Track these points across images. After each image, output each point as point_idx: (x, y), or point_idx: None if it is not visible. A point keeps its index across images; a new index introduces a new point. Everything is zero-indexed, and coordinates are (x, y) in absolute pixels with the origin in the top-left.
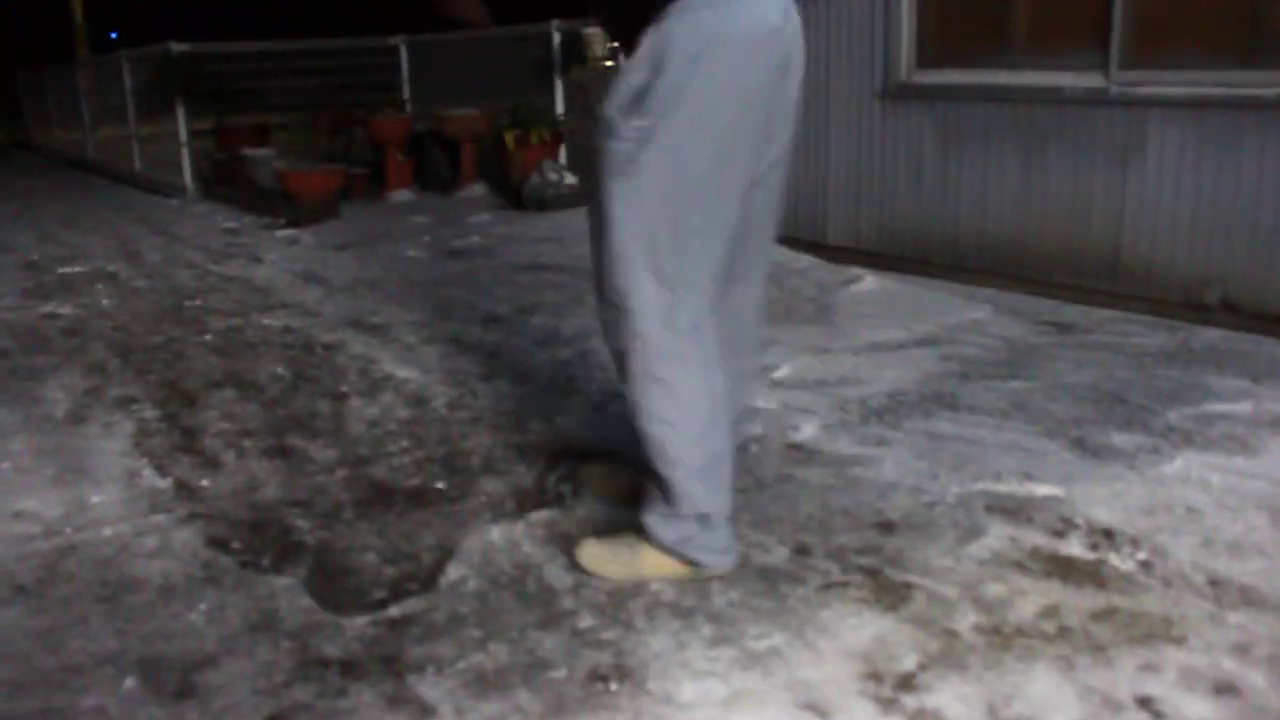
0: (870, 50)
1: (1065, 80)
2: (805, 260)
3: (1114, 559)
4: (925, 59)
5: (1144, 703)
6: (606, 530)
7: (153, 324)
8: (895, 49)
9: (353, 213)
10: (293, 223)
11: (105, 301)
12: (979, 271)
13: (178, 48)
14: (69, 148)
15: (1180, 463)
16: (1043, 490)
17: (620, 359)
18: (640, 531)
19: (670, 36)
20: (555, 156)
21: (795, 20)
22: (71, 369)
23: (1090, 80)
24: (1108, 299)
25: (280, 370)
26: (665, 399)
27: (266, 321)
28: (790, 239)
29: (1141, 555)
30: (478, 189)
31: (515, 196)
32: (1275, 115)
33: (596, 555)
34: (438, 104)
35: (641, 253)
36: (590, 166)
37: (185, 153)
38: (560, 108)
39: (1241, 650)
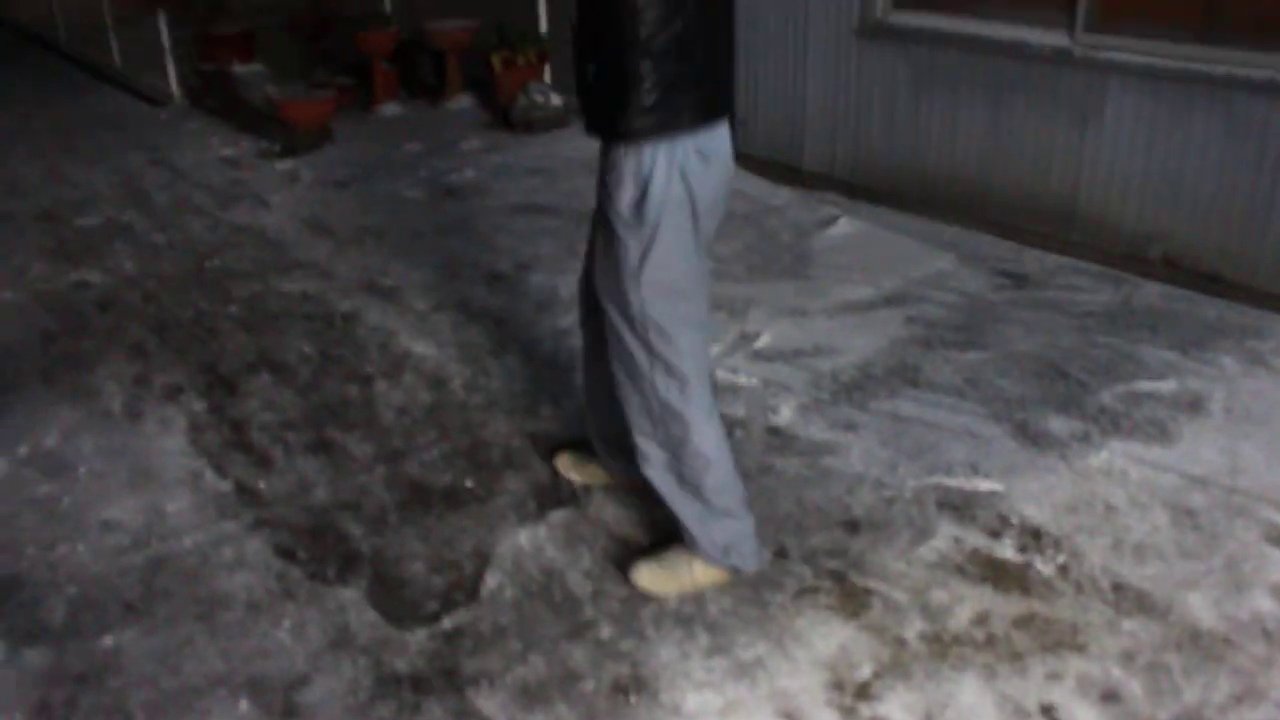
0: None
1: (1032, 36)
2: (783, 195)
3: (1039, 563)
4: (901, 2)
5: (1047, 710)
6: (618, 535)
7: (180, 292)
8: None
9: (345, 132)
10: (289, 150)
11: (128, 264)
12: (946, 208)
13: None
14: (37, 23)
15: (1105, 454)
16: (986, 485)
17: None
18: (685, 544)
19: (651, 164)
20: (541, 77)
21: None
22: (115, 353)
23: (1055, 39)
24: (1063, 245)
25: (307, 349)
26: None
27: (286, 286)
28: (768, 162)
29: (1061, 559)
30: (464, 100)
31: (503, 116)
32: (1223, 91)
33: (655, 577)
34: (420, 14)
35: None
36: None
37: (170, 60)
38: (544, 25)
39: (1128, 658)
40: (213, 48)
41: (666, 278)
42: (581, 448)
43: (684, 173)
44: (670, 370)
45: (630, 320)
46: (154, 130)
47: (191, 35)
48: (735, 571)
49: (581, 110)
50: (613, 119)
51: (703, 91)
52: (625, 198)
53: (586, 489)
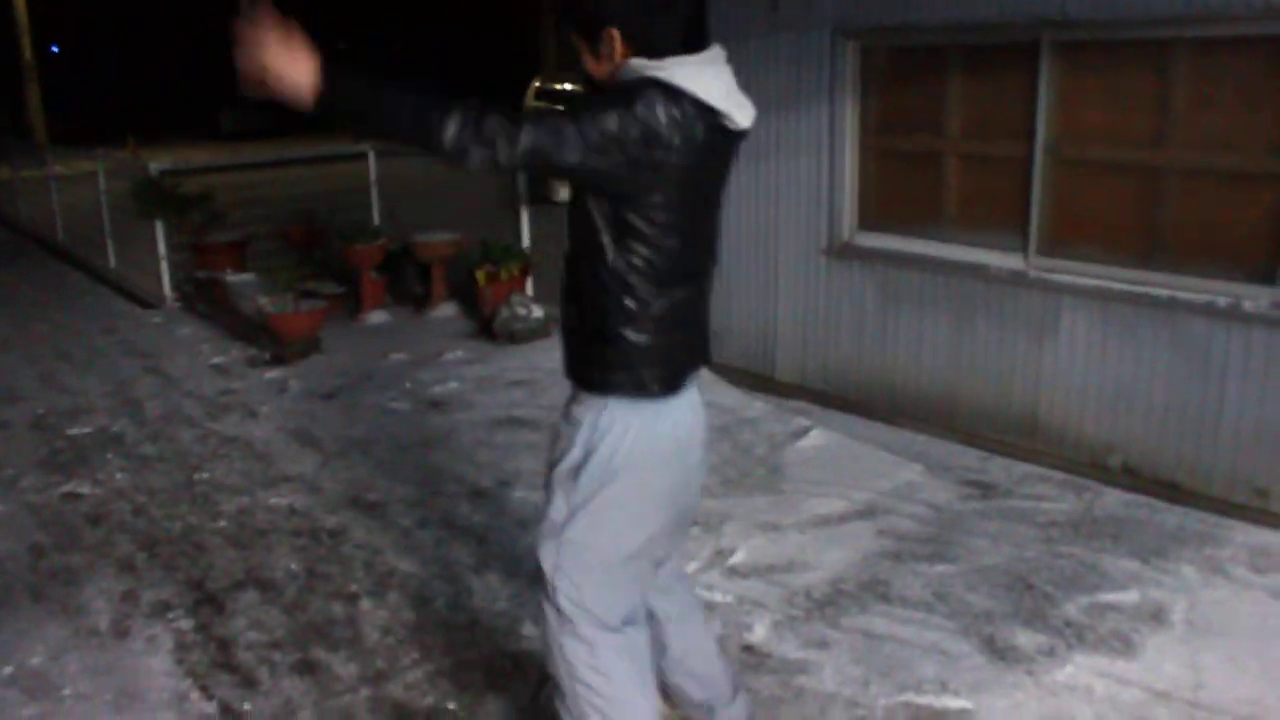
0: (817, 210)
1: (990, 259)
2: (756, 406)
3: None
4: (867, 222)
5: None
6: None
7: (169, 505)
8: (839, 211)
9: (333, 340)
10: (278, 359)
11: (119, 476)
12: (914, 417)
13: (157, 168)
14: (36, 223)
15: (1070, 668)
16: (956, 703)
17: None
18: None
19: (608, 426)
20: (523, 289)
21: (700, 406)
22: (104, 568)
23: (1012, 262)
24: (1027, 454)
25: (294, 566)
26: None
27: (273, 500)
28: (743, 372)
29: None
30: (449, 308)
31: (486, 326)
32: (1167, 313)
33: None
34: (406, 225)
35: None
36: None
37: (164, 266)
38: (526, 240)
39: None
40: (206, 255)
41: (589, 542)
42: None
43: (645, 440)
44: (578, 635)
45: (542, 578)
46: (147, 335)
47: (187, 242)
48: None
49: (563, 349)
50: (584, 367)
51: (675, 364)
52: (571, 456)
53: None
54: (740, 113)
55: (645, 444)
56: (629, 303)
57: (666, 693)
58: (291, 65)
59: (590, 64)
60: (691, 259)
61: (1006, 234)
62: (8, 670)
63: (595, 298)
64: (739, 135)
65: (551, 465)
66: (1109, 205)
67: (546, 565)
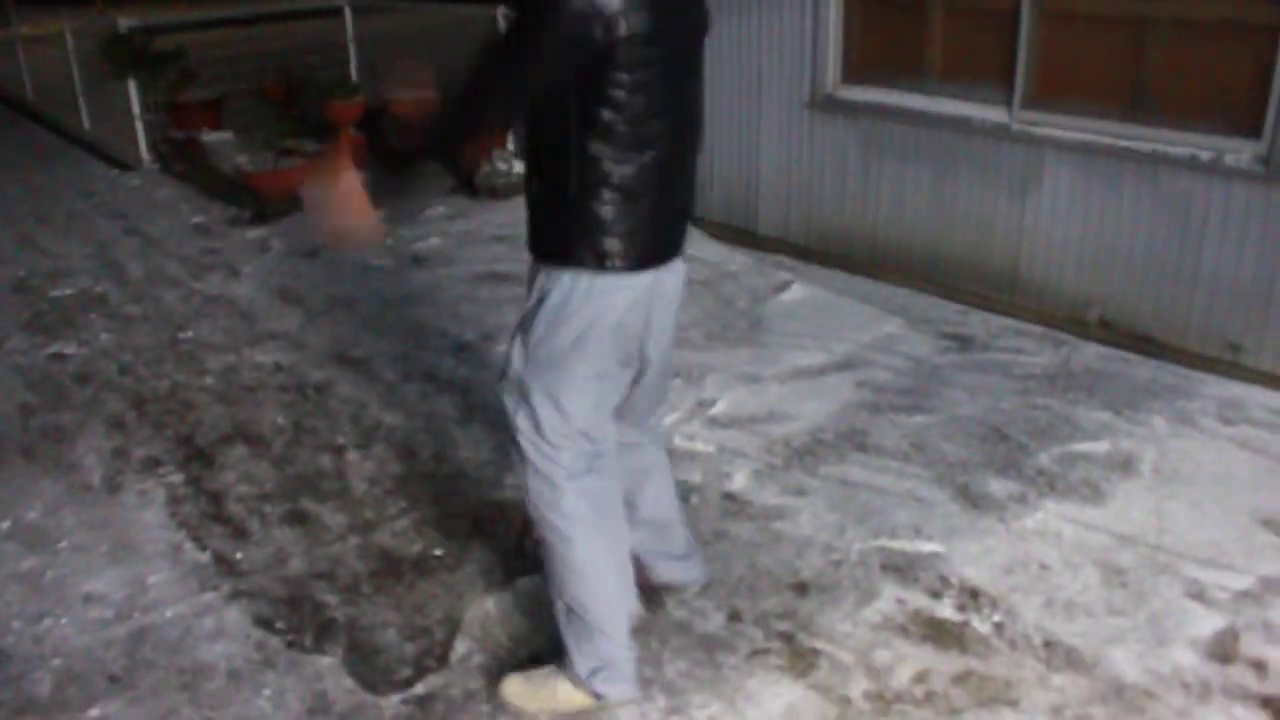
0: (800, 62)
1: (973, 112)
2: (738, 260)
3: (975, 621)
4: (850, 75)
5: None
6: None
7: (155, 364)
8: (822, 63)
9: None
10: (259, 218)
11: (104, 336)
12: (895, 272)
13: (126, 24)
14: (4, 84)
15: (1040, 515)
16: (928, 547)
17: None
18: (560, 661)
19: (556, 283)
20: (503, 145)
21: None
22: (94, 426)
23: (995, 115)
24: (1006, 308)
25: (281, 420)
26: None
27: (259, 358)
28: (724, 226)
29: (997, 617)
30: (430, 165)
31: (466, 181)
32: (1149, 167)
33: (517, 692)
34: (382, 77)
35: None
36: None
37: (140, 126)
38: None
39: (1057, 712)
40: (182, 114)
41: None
42: None
43: (602, 307)
44: (540, 467)
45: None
46: (125, 197)
47: (161, 102)
48: (598, 698)
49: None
50: (541, 239)
51: (640, 236)
52: (528, 305)
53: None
54: None
55: (600, 304)
56: (590, 171)
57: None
58: (356, 224)
59: None
60: (662, 122)
61: (991, 87)
62: (5, 525)
63: (556, 167)
64: None
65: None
66: (1095, 57)
67: (509, 407)
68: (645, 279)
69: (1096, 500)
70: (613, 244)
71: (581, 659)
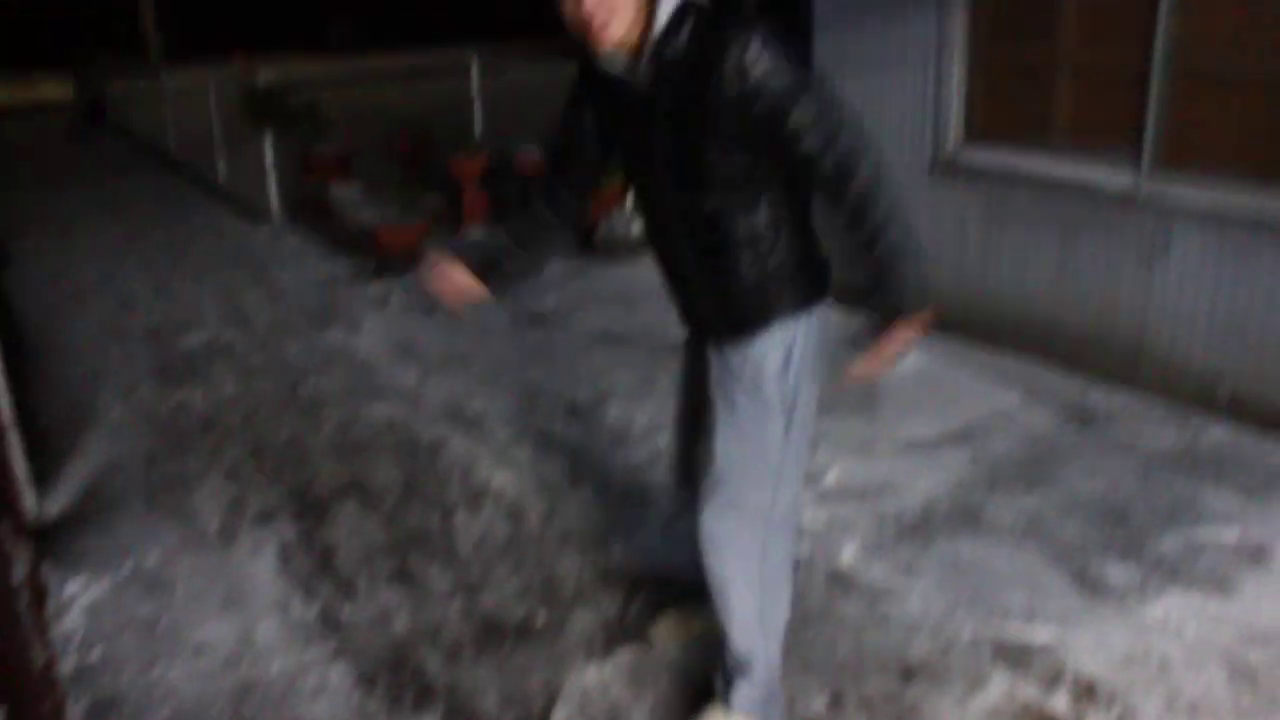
0: (920, 125)
1: (1099, 176)
2: (855, 325)
3: (1090, 718)
4: (972, 138)
5: None
6: (682, 674)
7: (276, 415)
8: (944, 125)
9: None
10: (382, 272)
11: (229, 385)
12: (1015, 341)
13: (265, 80)
14: (150, 136)
15: (1163, 605)
16: (1042, 634)
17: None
18: (723, 702)
19: (797, 336)
20: (622, 205)
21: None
22: (214, 474)
23: (1122, 179)
24: (1130, 382)
25: (393, 476)
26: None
27: (375, 412)
28: (841, 289)
29: (1114, 715)
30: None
31: (586, 239)
32: None
33: None
34: (509, 138)
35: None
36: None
37: (272, 179)
38: None
39: None
40: (313, 167)
41: (803, 440)
42: (681, 604)
43: (820, 335)
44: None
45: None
46: (255, 247)
47: (294, 155)
48: None
49: (704, 329)
50: (764, 306)
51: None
52: (770, 370)
53: (653, 629)
54: None
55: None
56: (785, 213)
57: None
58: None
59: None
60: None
61: (1118, 150)
62: (126, 569)
63: (746, 236)
64: None
65: (730, 392)
66: (1229, 119)
67: (767, 481)
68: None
69: (1224, 592)
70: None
71: (747, 699)
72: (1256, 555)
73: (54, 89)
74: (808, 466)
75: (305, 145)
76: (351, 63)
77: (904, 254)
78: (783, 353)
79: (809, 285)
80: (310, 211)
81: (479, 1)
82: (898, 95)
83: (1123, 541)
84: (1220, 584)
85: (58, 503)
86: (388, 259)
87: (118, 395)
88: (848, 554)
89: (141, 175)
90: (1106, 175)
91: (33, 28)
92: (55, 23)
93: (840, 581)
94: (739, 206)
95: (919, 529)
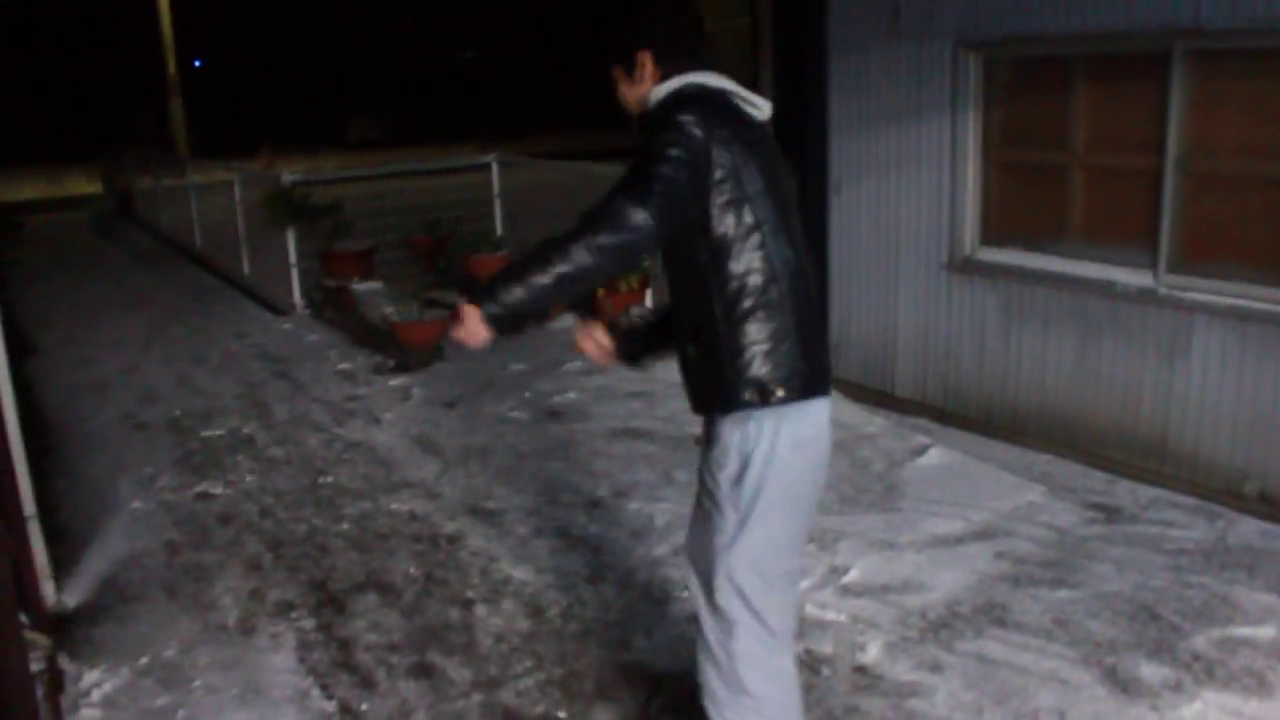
0: (938, 224)
1: (1117, 275)
2: (875, 422)
3: None
4: (989, 237)
5: None
6: None
7: (295, 508)
8: (960, 225)
9: (455, 349)
10: (402, 367)
11: (249, 478)
12: (1037, 438)
13: (289, 178)
14: (176, 230)
15: (1198, 705)
16: None
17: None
18: None
19: (755, 440)
20: (642, 301)
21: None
22: (233, 566)
23: (1140, 279)
24: (1156, 477)
25: (412, 570)
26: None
27: (394, 505)
28: (861, 387)
29: None
30: (568, 319)
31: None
32: None
33: None
34: (529, 235)
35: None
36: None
37: (295, 274)
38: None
39: None
40: (335, 263)
41: (760, 545)
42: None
43: (790, 443)
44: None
45: (711, 589)
46: (277, 340)
47: (316, 250)
48: None
49: (686, 390)
50: (718, 392)
51: (804, 363)
52: (729, 470)
53: None
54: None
55: (796, 445)
56: (739, 304)
57: None
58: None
59: (626, 92)
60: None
61: (1135, 250)
62: (144, 660)
63: (705, 314)
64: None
65: (704, 481)
66: (1244, 220)
67: (719, 575)
68: (821, 404)
69: (1262, 692)
70: (782, 371)
71: None
72: None
73: (83, 183)
74: (830, 562)
75: (327, 241)
76: (373, 160)
77: (530, 264)
78: (737, 460)
79: (756, 382)
80: (332, 306)
81: (498, 101)
82: (914, 196)
83: (1154, 639)
84: (1258, 682)
85: (77, 593)
86: (409, 353)
87: (138, 486)
88: (872, 651)
89: (167, 268)
90: (1124, 275)
91: (63, 123)
92: (85, 119)
93: (865, 677)
94: (683, 269)
95: (944, 626)
